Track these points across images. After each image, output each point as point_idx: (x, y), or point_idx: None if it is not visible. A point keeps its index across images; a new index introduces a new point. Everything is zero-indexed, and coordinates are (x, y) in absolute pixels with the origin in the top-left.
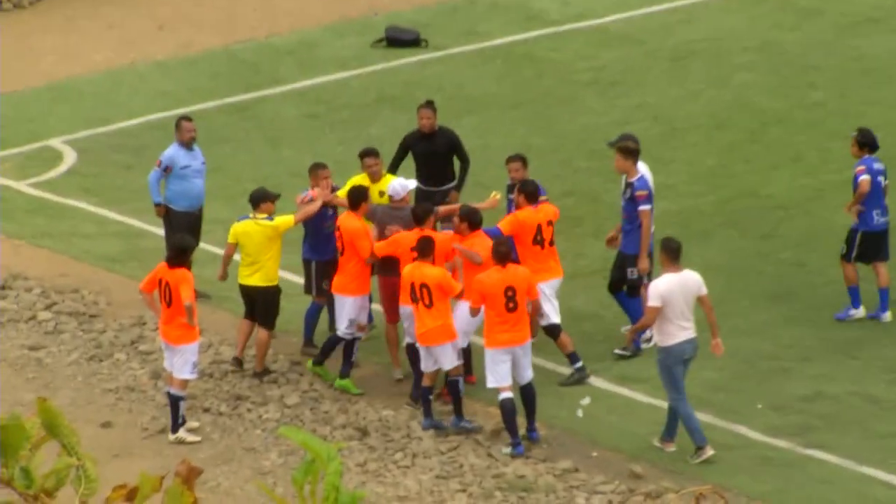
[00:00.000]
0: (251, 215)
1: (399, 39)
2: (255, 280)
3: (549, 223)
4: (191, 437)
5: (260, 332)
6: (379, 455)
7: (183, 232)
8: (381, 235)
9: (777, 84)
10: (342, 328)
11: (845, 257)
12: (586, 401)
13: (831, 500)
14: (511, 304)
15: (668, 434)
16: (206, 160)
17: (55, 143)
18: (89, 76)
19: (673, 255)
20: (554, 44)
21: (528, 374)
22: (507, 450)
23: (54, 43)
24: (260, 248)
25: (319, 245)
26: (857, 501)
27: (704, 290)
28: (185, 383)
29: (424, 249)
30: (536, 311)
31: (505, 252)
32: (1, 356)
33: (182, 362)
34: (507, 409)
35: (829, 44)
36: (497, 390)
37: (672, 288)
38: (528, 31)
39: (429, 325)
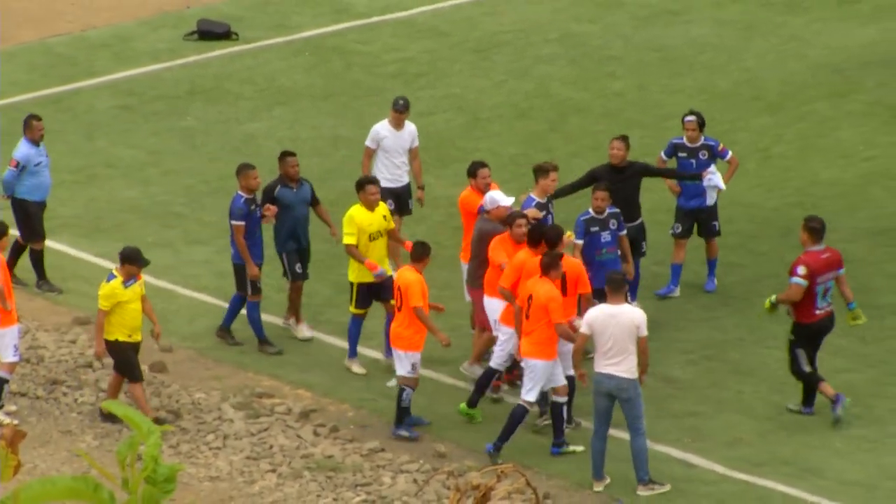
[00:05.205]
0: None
1: (210, 32)
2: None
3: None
4: (8, 420)
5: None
6: (191, 437)
7: (40, 221)
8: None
9: (577, 75)
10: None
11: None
12: (392, 383)
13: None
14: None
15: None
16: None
17: None
18: None
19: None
20: (362, 36)
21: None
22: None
23: None
24: None
25: (253, 249)
26: (654, 478)
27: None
28: (13, 366)
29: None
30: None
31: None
32: None
33: (3, 346)
34: (556, 412)
35: (628, 35)
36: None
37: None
38: (338, 24)
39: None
